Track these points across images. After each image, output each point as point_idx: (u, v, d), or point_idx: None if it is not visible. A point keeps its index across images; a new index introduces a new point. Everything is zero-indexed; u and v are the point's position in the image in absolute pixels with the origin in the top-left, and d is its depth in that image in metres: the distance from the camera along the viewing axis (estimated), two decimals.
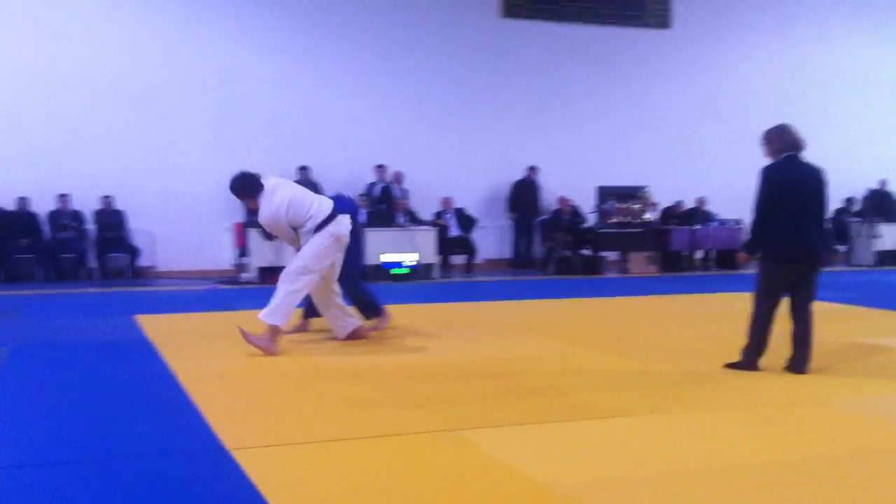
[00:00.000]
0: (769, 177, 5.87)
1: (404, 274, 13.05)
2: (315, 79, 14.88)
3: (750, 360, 5.97)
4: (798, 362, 5.91)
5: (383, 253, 13.07)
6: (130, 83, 13.82)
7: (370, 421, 4.67)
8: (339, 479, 3.73)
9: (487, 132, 15.78)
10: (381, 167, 14.51)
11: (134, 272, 13.33)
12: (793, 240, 5.82)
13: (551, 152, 15.94)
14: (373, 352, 6.88)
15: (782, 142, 5.92)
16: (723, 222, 15.44)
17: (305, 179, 14.09)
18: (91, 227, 13.30)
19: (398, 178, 14.59)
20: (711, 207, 15.78)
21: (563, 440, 4.34)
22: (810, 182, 5.92)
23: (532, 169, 15.53)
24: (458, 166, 15.47)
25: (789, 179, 5.84)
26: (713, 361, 6.21)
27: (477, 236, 14.79)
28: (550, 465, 3.89)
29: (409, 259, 13.14)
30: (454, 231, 14.34)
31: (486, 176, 15.73)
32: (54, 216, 13.00)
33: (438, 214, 14.33)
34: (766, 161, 5.97)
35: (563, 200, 14.73)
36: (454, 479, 3.75)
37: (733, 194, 16.46)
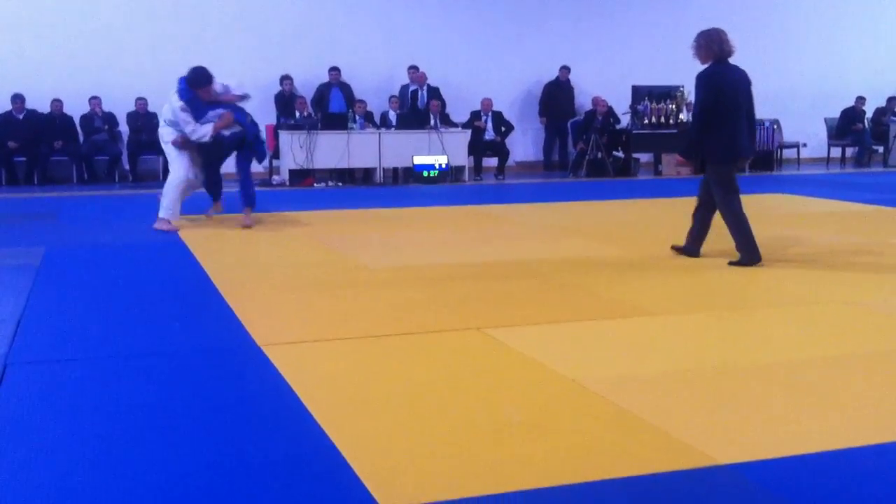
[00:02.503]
0: (709, 82, 6.06)
1: (435, 176, 13.01)
2: None
3: (752, 253, 6.13)
4: (697, 247, 6.41)
5: (415, 155, 13.01)
6: None
7: (400, 319, 4.73)
8: (366, 374, 3.79)
9: (521, 32, 15.46)
10: (413, 69, 14.32)
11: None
12: (732, 142, 6.09)
13: (586, 51, 15.63)
14: (403, 252, 6.92)
15: (718, 46, 6.11)
16: (759, 122, 15.12)
17: (336, 80, 14.00)
18: (125, 129, 13.32)
19: (422, 80, 14.36)
20: None
21: (591, 338, 4.37)
22: (742, 84, 6.15)
23: (564, 69, 15.26)
24: (492, 68, 15.21)
25: (726, 83, 6.06)
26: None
27: (509, 139, 14.65)
28: (578, 362, 3.92)
29: (440, 161, 13.08)
30: (489, 135, 14.20)
31: (520, 77, 15.49)
32: (86, 119, 13.03)
33: (475, 115, 14.15)
34: (700, 66, 6.19)
35: (597, 101, 14.46)
36: (482, 373, 3.80)
37: (768, 94, 16.19)
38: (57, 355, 4.07)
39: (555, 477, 2.70)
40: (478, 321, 4.62)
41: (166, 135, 8.33)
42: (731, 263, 6.15)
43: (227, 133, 8.11)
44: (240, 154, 8.47)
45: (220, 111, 8.09)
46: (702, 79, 6.12)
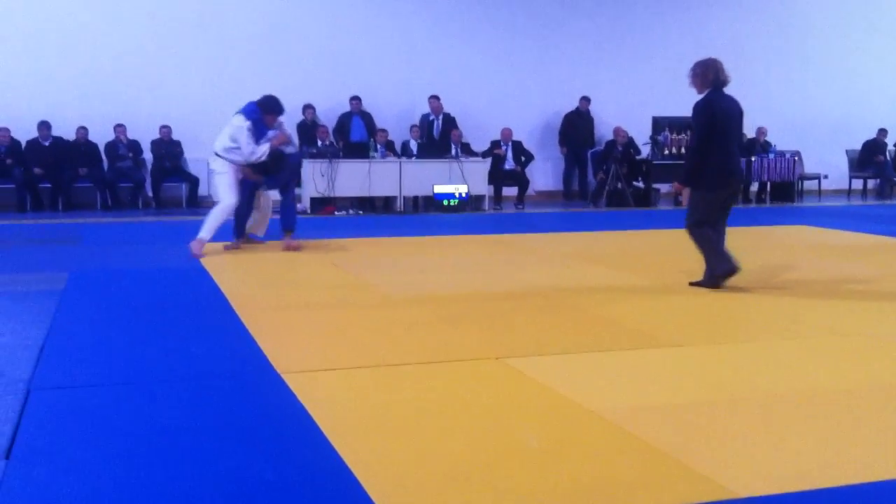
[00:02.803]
0: (706, 110, 6.25)
1: (455, 205, 13.06)
2: (371, 7, 14.76)
3: (727, 263, 6.31)
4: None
5: (436, 184, 13.08)
6: (188, 12, 13.85)
7: (418, 347, 4.75)
8: (383, 401, 3.81)
9: (542, 62, 15.57)
10: (434, 98, 14.42)
11: (193, 201, 13.50)
12: (726, 168, 6.29)
13: (606, 82, 15.72)
14: (423, 280, 6.94)
15: (714, 75, 6.30)
16: (780, 154, 15.15)
17: (357, 109, 14.11)
18: (148, 156, 13.47)
19: (438, 109, 14.41)
20: (769, 137, 15.50)
21: (609, 368, 4.37)
22: (735, 114, 6.37)
23: (585, 99, 15.33)
24: (513, 98, 15.32)
25: (721, 112, 6.25)
26: (761, 292, 6.17)
27: (529, 168, 14.69)
28: (596, 392, 3.92)
29: (459, 190, 13.14)
30: (509, 164, 14.25)
31: (540, 107, 15.57)
32: (111, 146, 13.18)
33: (495, 144, 14.21)
34: (697, 96, 6.38)
35: (617, 131, 14.51)
36: (499, 402, 3.81)
37: (789, 125, 16.21)
38: (80, 381, 4.11)
39: None
40: (496, 350, 4.63)
41: (219, 166, 8.55)
42: (693, 284, 6.46)
43: (287, 150, 8.69)
44: (290, 178, 9.04)
45: (275, 132, 8.60)
46: (699, 107, 6.32)
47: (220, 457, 3.11)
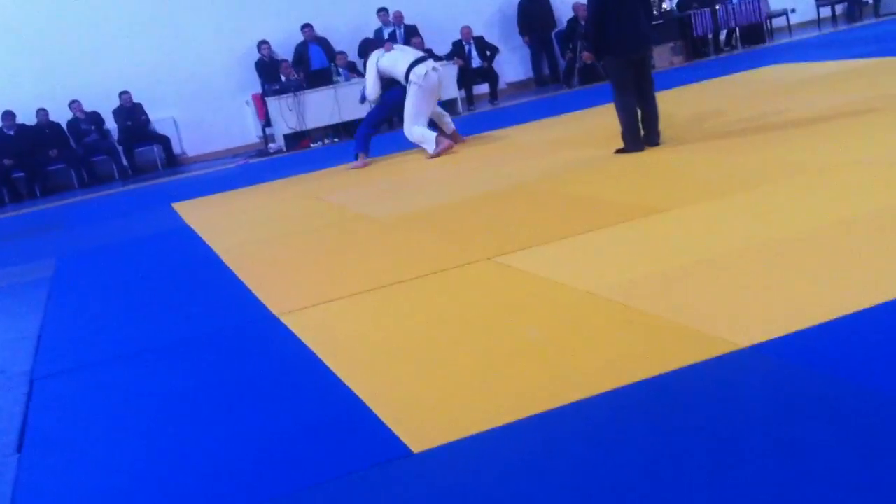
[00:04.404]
0: None
1: None
2: None
3: (634, 143, 6.61)
4: (653, 137, 6.70)
5: None
6: None
7: (408, 263, 4.72)
8: (381, 324, 3.81)
9: None
10: (383, 11, 14.10)
11: (169, 161, 13.37)
12: (624, 34, 6.50)
13: None
14: (403, 197, 6.89)
15: None
16: None
17: (311, 37, 13.84)
18: (112, 126, 13.26)
19: (399, 18, 14.13)
20: None
21: (600, 247, 4.35)
22: None
23: None
24: None
25: None
26: (737, 140, 6.12)
27: (497, 62, 14.46)
28: (590, 273, 3.91)
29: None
30: (476, 62, 14.02)
31: None
32: (73, 124, 12.98)
33: (457, 46, 13.96)
34: None
35: (577, 7, 14.21)
36: (496, 301, 3.81)
37: None
38: (81, 362, 4.10)
39: (578, 391, 2.71)
40: (486, 251, 4.60)
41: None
42: (616, 152, 6.68)
43: None
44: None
45: None
46: None
47: (236, 413, 3.10)
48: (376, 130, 9.60)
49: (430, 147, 8.72)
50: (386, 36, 14.04)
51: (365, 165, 9.15)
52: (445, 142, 8.81)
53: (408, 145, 9.30)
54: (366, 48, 9.39)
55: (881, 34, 12.47)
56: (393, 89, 9.04)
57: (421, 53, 9.28)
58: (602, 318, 3.34)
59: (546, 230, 4.87)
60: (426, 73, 8.76)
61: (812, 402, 2.40)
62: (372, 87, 9.03)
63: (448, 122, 9.42)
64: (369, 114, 9.56)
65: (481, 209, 5.83)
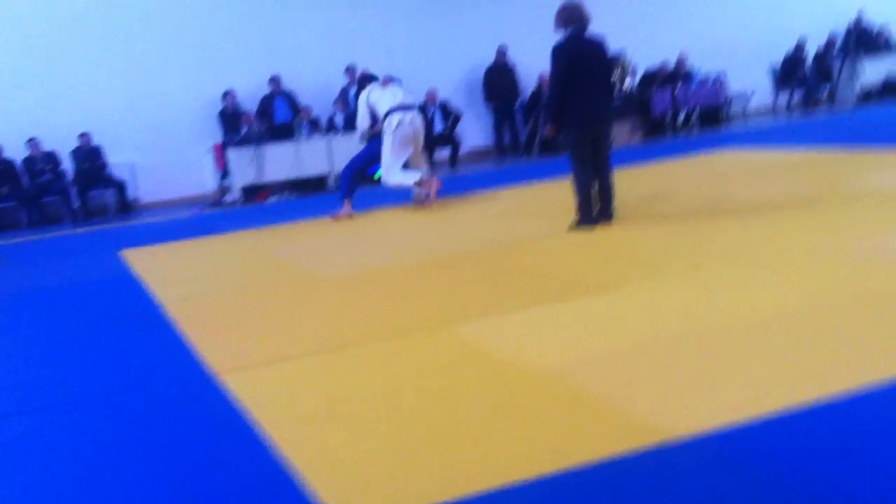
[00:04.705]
0: (558, 56, 6.59)
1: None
2: None
3: (588, 218, 6.66)
4: (607, 213, 6.74)
5: None
6: (92, 10, 13.41)
7: (356, 327, 4.67)
8: (323, 390, 3.75)
9: (458, 16, 15.37)
10: (350, 69, 14.19)
11: (122, 206, 13.21)
12: (584, 108, 6.59)
13: (526, 30, 15.52)
14: (356, 257, 6.85)
15: (567, 17, 6.63)
16: (703, 80, 15.20)
17: (277, 90, 13.86)
18: (69, 167, 13.09)
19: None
20: (693, 61, 15.49)
21: (547, 323, 4.33)
22: (595, 55, 6.67)
23: (501, 51, 15.18)
24: (433, 57, 15.09)
25: (575, 55, 6.57)
26: (689, 223, 6.18)
27: (460, 126, 14.58)
28: (536, 350, 3.89)
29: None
30: (438, 127, 14.11)
31: (461, 63, 15.34)
32: (28, 161, 12.80)
33: (422, 109, 14.05)
34: (557, 36, 6.70)
35: (543, 78, 14.42)
36: (439, 373, 3.76)
37: (714, 47, 16.22)
38: (11, 408, 3.97)
39: (511, 474, 2.66)
40: (433, 320, 4.57)
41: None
42: (570, 224, 6.72)
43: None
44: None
45: None
46: (554, 50, 6.63)
47: (163, 472, 3.01)
48: (360, 177, 9.51)
49: (412, 180, 8.81)
50: (351, 95, 14.12)
51: (349, 217, 9.07)
52: (423, 192, 8.88)
53: (364, 202, 9.27)
54: (363, 82, 9.37)
55: (835, 124, 12.79)
56: (379, 138, 9.05)
57: (409, 101, 9.18)
58: (542, 399, 3.31)
59: (496, 301, 4.85)
60: (398, 123, 8.78)
61: (748, 501, 2.38)
62: (361, 119, 9.08)
63: (426, 171, 9.42)
64: (352, 159, 9.52)
65: (432, 275, 5.80)
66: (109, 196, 13.32)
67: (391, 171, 8.87)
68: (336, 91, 14.26)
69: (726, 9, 16.84)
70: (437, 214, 8.70)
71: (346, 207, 9.16)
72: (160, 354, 4.65)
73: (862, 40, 16.59)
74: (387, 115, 8.81)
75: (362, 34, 14.71)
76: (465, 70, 15.44)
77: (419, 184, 8.84)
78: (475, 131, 15.49)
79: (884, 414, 2.82)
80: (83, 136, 12.96)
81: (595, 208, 6.72)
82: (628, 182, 8.49)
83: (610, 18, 15.61)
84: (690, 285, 4.69)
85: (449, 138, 14.11)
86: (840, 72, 16.01)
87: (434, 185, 8.96)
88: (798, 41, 16.31)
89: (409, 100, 9.15)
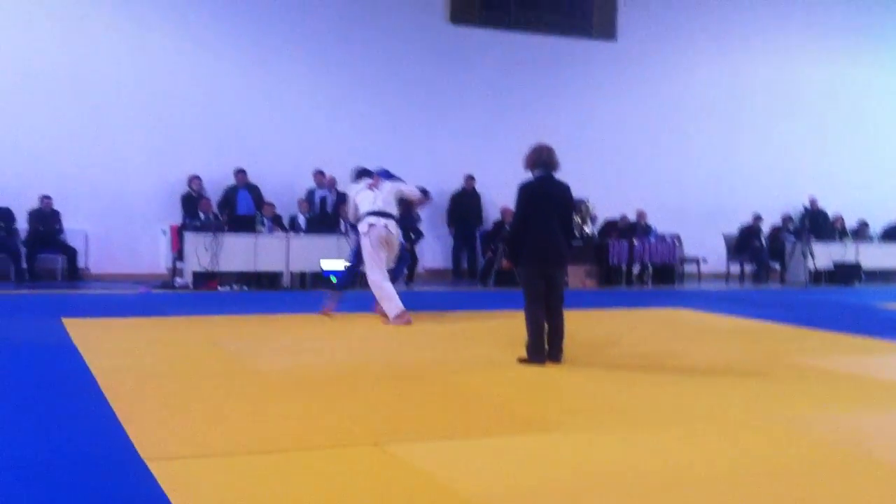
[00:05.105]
0: (523, 193, 6.82)
1: None
2: (255, 80, 14.72)
3: (537, 355, 6.69)
4: (555, 353, 6.78)
5: (324, 259, 12.94)
6: (65, 81, 13.54)
7: (294, 432, 4.59)
8: (257, 496, 3.64)
9: (430, 140, 15.74)
10: (320, 173, 14.35)
11: (71, 274, 13.00)
12: (540, 247, 6.73)
13: (495, 161, 15.90)
14: (301, 358, 6.79)
15: (538, 159, 6.88)
16: (660, 237, 15.60)
17: (242, 182, 13.93)
18: (24, 227, 12.93)
19: (332, 183, 14.37)
20: (650, 221, 15.95)
21: (477, 454, 4.28)
22: (558, 197, 6.88)
23: (470, 178, 15.49)
24: (401, 174, 15.30)
25: (540, 195, 6.80)
26: (647, 374, 6.23)
27: (419, 245, 14.71)
28: (470, 478, 3.84)
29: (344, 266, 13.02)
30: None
31: (429, 183, 15.61)
32: None
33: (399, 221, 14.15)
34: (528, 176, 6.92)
35: (505, 211, 14.70)
36: (374, 495, 3.69)
37: (669, 208, 16.73)
38: None
39: None
40: (371, 435, 4.51)
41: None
42: (519, 359, 6.74)
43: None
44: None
45: None
46: (519, 188, 6.85)
47: None
48: (353, 276, 9.56)
49: (392, 310, 8.76)
50: (317, 198, 14.26)
51: (328, 313, 9.15)
52: (406, 317, 8.82)
53: (315, 306, 9.23)
54: (359, 175, 9.63)
55: (784, 300, 13.10)
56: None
57: (388, 209, 9.16)
58: None
59: (434, 425, 4.81)
60: (369, 227, 8.91)
61: None
62: (351, 212, 9.26)
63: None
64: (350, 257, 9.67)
65: (374, 388, 5.75)
66: (59, 262, 13.13)
67: (373, 273, 8.96)
68: (303, 191, 14.37)
69: (682, 177, 17.39)
70: (390, 328, 8.68)
71: (331, 302, 9.22)
72: (89, 430, 4.51)
73: (815, 224, 17.18)
74: (364, 216, 8.98)
75: (335, 143, 14.96)
76: (433, 192, 15.66)
77: (399, 316, 8.79)
78: (434, 252, 15.65)
79: None
80: (46, 198, 12.88)
81: (546, 348, 6.75)
82: (580, 324, 8.57)
83: (575, 167, 16.15)
84: (626, 439, 4.69)
85: (410, 252, 14.19)
86: (793, 251, 16.49)
87: (403, 320, 8.85)
88: (754, 215, 16.84)
89: (389, 208, 9.19)
